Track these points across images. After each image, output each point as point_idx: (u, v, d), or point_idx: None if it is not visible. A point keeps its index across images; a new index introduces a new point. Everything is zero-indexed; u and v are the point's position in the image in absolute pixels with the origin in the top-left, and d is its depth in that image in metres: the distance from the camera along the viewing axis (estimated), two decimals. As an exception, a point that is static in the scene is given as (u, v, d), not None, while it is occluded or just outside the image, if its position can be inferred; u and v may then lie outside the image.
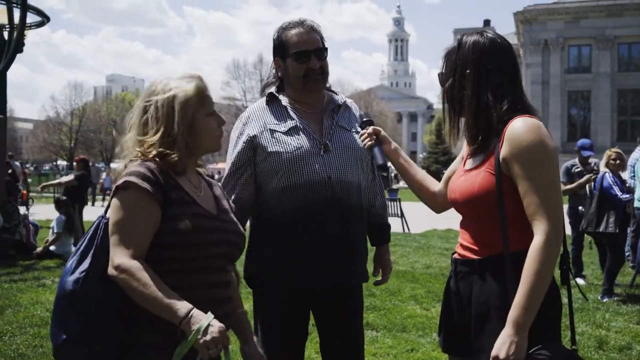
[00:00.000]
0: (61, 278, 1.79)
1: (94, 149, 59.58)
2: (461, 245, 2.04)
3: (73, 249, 9.16)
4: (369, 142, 2.26)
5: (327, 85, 2.64)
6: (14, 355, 4.42)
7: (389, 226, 2.81)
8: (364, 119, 2.40)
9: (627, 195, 6.65)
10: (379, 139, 2.27)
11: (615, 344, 4.85)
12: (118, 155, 1.95)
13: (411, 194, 2.54)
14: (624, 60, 42.24)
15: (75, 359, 1.75)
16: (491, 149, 1.92)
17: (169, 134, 1.84)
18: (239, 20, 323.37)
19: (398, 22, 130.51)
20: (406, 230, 13.86)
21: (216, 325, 1.67)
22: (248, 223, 2.61)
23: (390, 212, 13.65)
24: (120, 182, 1.80)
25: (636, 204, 7.04)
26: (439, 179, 2.33)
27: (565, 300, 1.95)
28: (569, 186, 7.26)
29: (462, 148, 2.14)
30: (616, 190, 6.58)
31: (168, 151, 1.84)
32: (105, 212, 1.87)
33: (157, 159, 1.84)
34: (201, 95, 1.90)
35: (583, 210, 7.21)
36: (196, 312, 1.68)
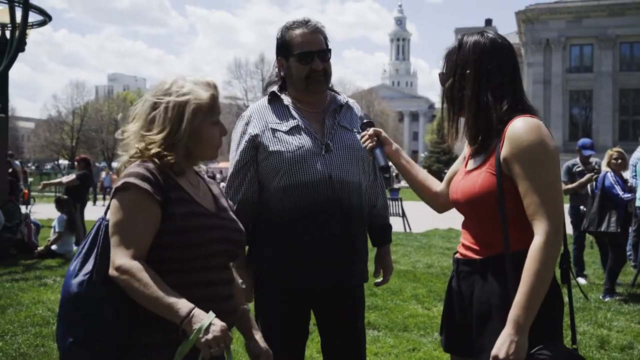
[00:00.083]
0: (65, 281, 1.79)
1: (95, 148, 59.67)
2: (463, 245, 2.04)
3: (75, 248, 9.25)
4: (370, 144, 2.26)
5: (330, 85, 2.63)
6: (16, 355, 4.41)
7: (390, 227, 2.80)
8: (364, 121, 2.39)
9: (629, 195, 6.64)
10: (380, 140, 2.27)
11: (617, 343, 4.85)
12: (119, 146, 1.94)
13: (412, 194, 2.53)
14: (626, 60, 42.22)
15: None
16: (492, 149, 1.92)
17: (173, 136, 1.85)
18: (241, 20, 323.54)
19: (400, 22, 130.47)
20: (408, 230, 13.85)
21: (218, 325, 1.67)
22: None
23: (391, 211, 13.65)
24: (119, 183, 1.80)
25: (638, 203, 7.03)
26: (440, 179, 2.33)
27: (566, 299, 1.95)
28: (570, 185, 7.26)
29: (464, 148, 2.14)
30: (618, 189, 6.58)
31: (167, 152, 1.84)
32: (105, 213, 1.87)
33: (156, 159, 1.84)
34: (213, 105, 1.90)
35: (584, 209, 7.20)
36: (197, 312, 1.68)
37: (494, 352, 1.75)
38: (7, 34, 10.53)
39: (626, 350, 4.71)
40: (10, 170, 10.72)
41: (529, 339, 1.76)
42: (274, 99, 2.58)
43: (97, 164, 29.28)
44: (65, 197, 9.84)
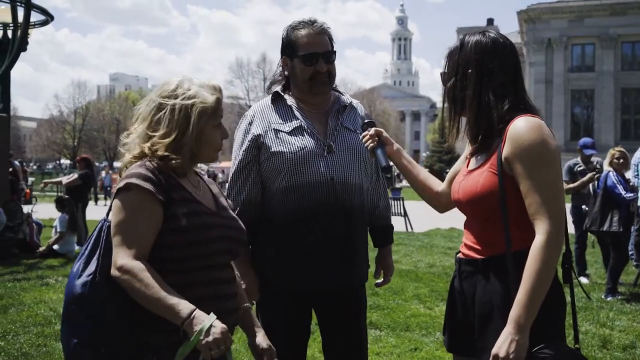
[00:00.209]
0: (68, 282, 1.80)
1: (97, 147, 59.67)
2: (465, 245, 2.04)
3: (77, 247, 9.25)
4: (371, 144, 2.25)
5: (334, 85, 2.62)
6: (18, 355, 4.41)
7: (392, 227, 2.80)
8: (366, 121, 2.38)
9: (631, 194, 6.63)
10: (381, 140, 2.26)
11: (619, 343, 4.84)
12: (122, 145, 1.95)
13: (414, 193, 2.54)
14: (628, 59, 42.15)
15: None
16: (493, 148, 1.92)
17: (180, 139, 1.86)
18: (243, 19, 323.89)
19: (401, 21, 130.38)
20: (409, 230, 13.84)
21: (218, 326, 1.67)
22: None
23: (393, 211, 13.64)
24: (121, 183, 1.80)
25: (640, 202, 7.02)
26: (442, 179, 2.32)
27: (568, 299, 1.95)
28: (571, 185, 7.25)
29: (466, 148, 2.14)
30: (620, 189, 6.57)
31: (173, 155, 1.85)
32: (107, 214, 1.87)
33: (159, 161, 1.85)
34: (217, 108, 1.92)
35: (586, 209, 7.19)
36: (199, 313, 1.68)
37: (494, 350, 1.75)
38: (9, 33, 10.56)
39: (628, 349, 4.70)
40: (10, 169, 10.71)
41: (531, 338, 1.75)
42: (277, 99, 2.57)
43: (96, 164, 29.23)
44: (66, 196, 9.85)
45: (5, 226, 8.99)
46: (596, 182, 6.97)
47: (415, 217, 14.44)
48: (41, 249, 9.09)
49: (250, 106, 2.68)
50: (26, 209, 10.67)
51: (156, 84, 2.03)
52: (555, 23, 41.88)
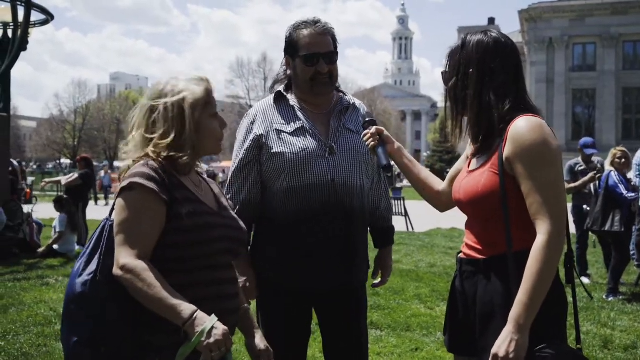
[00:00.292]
0: (69, 281, 1.80)
1: (97, 147, 59.67)
2: (466, 245, 2.04)
3: (77, 247, 9.24)
4: (372, 143, 2.24)
5: (337, 85, 2.61)
6: (18, 355, 4.41)
7: (393, 229, 2.79)
8: (367, 119, 2.37)
9: (633, 194, 6.61)
10: (382, 139, 2.25)
11: (621, 343, 4.83)
12: (122, 153, 1.95)
13: (415, 193, 2.53)
14: (629, 58, 42.16)
15: None
16: (495, 148, 1.92)
17: (180, 137, 1.85)
18: (244, 19, 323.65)
19: (402, 21, 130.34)
20: (410, 229, 13.84)
21: (220, 328, 1.67)
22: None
23: (394, 210, 13.60)
24: (125, 183, 1.80)
25: (642, 202, 7.00)
26: (443, 178, 2.32)
27: (570, 299, 1.95)
28: (572, 185, 7.23)
29: (467, 147, 2.13)
30: (622, 188, 6.55)
31: (180, 154, 1.85)
32: (110, 214, 1.87)
33: (162, 160, 1.85)
34: (208, 97, 1.92)
35: (587, 208, 7.18)
36: (200, 314, 1.68)
37: (494, 350, 1.76)
38: (10, 32, 10.54)
39: (630, 350, 4.69)
40: (10, 169, 10.71)
41: (533, 338, 1.75)
42: (279, 99, 2.56)
43: (95, 163, 29.15)
44: (65, 196, 9.84)
45: (6, 226, 8.99)
46: (597, 182, 6.95)
47: (416, 216, 14.44)
48: (40, 249, 9.08)
49: (250, 106, 2.67)
50: (26, 208, 10.68)
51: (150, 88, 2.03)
52: (556, 22, 41.87)
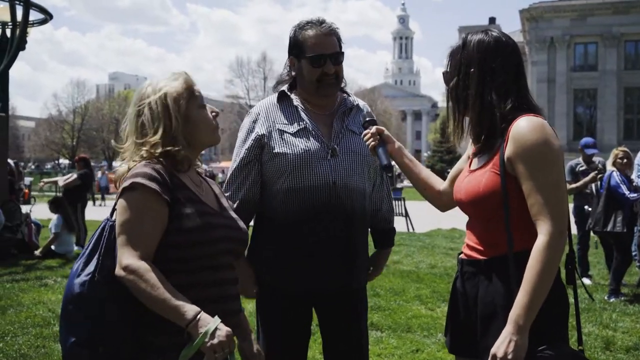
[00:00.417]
0: (68, 281, 1.79)
1: (96, 147, 59.52)
2: (467, 245, 2.03)
3: (75, 248, 9.23)
4: (373, 143, 2.24)
5: (342, 85, 2.60)
6: (16, 356, 4.40)
7: (393, 230, 2.78)
8: (367, 119, 2.36)
9: (635, 194, 6.59)
10: (382, 138, 2.25)
11: (622, 344, 4.81)
12: (120, 158, 1.97)
13: (415, 193, 2.52)
14: (631, 58, 42.15)
15: None
16: (496, 148, 1.91)
17: (169, 131, 1.86)
18: (243, 18, 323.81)
19: (403, 20, 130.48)
20: (410, 230, 13.82)
21: (223, 329, 1.67)
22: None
23: (394, 211, 13.57)
24: (126, 183, 1.80)
25: (644, 202, 6.97)
26: (443, 178, 2.32)
27: (571, 300, 1.94)
28: (574, 185, 7.22)
29: (468, 147, 2.13)
30: (624, 189, 6.53)
31: (174, 148, 1.85)
32: (111, 214, 1.87)
33: (162, 159, 1.85)
34: (190, 89, 1.92)
35: (589, 209, 7.17)
36: (204, 316, 1.68)
37: (493, 350, 1.75)
38: (8, 32, 10.52)
39: (632, 351, 4.67)
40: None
41: (534, 339, 1.75)
42: (283, 98, 2.55)
43: (93, 164, 29.05)
44: (59, 197, 9.83)
45: (4, 226, 8.99)
46: (599, 182, 6.93)
47: (417, 217, 14.44)
48: (37, 251, 9.06)
49: (250, 105, 2.65)
50: (25, 209, 10.67)
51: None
52: (557, 22, 41.86)
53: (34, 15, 11.05)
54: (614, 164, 6.80)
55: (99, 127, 59.79)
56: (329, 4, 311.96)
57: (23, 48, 10.29)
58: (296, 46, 2.48)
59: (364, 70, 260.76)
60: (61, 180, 10.70)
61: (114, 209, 1.85)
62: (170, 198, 1.81)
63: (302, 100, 2.53)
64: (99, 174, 26.36)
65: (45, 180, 11.61)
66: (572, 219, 7.30)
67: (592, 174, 7.07)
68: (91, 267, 1.76)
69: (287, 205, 2.43)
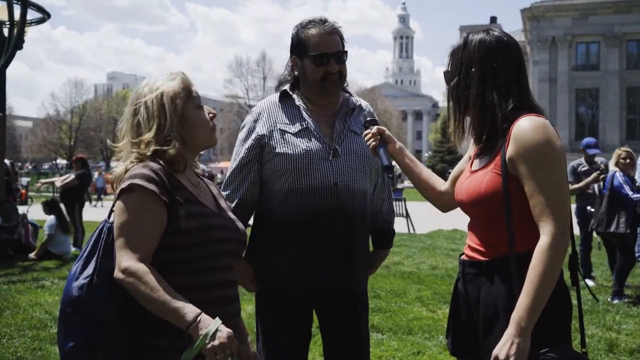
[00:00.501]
0: (66, 284, 1.79)
1: (94, 147, 59.50)
2: (469, 246, 2.02)
3: (73, 249, 9.21)
4: (373, 143, 2.22)
5: (345, 85, 2.59)
6: (13, 359, 4.39)
7: (393, 231, 2.76)
8: (368, 119, 2.35)
9: (638, 195, 6.55)
10: (383, 138, 2.23)
11: (626, 346, 4.78)
12: (115, 157, 1.97)
13: (416, 194, 2.49)
14: (633, 58, 42.12)
15: None
16: (497, 148, 1.91)
17: (163, 129, 1.85)
18: (242, 17, 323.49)
19: (403, 19, 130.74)
20: (411, 231, 13.81)
21: (224, 331, 1.67)
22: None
23: (395, 212, 13.55)
24: (124, 184, 1.79)
25: (647, 203, 6.93)
26: (444, 178, 2.32)
27: (574, 302, 1.93)
28: (576, 185, 7.18)
29: (469, 148, 2.12)
30: (627, 189, 6.51)
31: (166, 147, 1.85)
32: (109, 216, 1.86)
33: (158, 159, 1.84)
34: (187, 89, 1.92)
35: (591, 209, 7.17)
36: (204, 317, 1.68)
37: (494, 352, 1.75)
38: (5, 31, 10.50)
39: (635, 353, 4.64)
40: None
41: (536, 341, 1.74)
42: (285, 98, 2.53)
43: (90, 164, 28.95)
44: (54, 199, 9.82)
45: (1, 227, 8.99)
46: (601, 183, 6.90)
47: (418, 218, 14.46)
48: (32, 254, 9.03)
49: (250, 105, 2.61)
50: (22, 209, 10.65)
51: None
52: (559, 21, 41.82)
53: (31, 14, 11.02)
54: (617, 164, 6.77)
55: (97, 127, 59.65)
56: (328, 3, 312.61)
57: (20, 47, 10.29)
58: (299, 45, 2.46)
59: (364, 69, 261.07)
60: (59, 180, 10.69)
61: (111, 211, 1.84)
62: (169, 199, 1.80)
63: (305, 100, 2.51)
64: (95, 174, 26.35)
65: (43, 180, 11.60)
66: (575, 220, 7.25)
67: (594, 175, 7.04)
68: (89, 270, 1.75)
69: (286, 206, 2.41)
